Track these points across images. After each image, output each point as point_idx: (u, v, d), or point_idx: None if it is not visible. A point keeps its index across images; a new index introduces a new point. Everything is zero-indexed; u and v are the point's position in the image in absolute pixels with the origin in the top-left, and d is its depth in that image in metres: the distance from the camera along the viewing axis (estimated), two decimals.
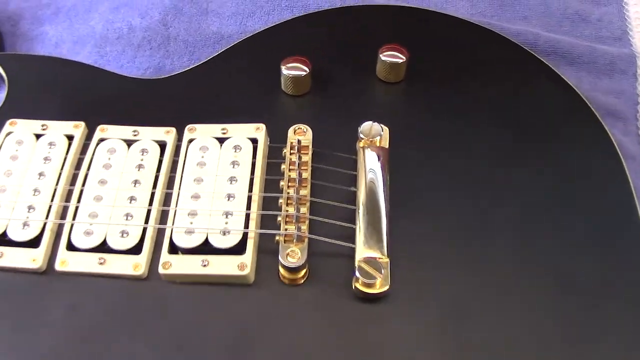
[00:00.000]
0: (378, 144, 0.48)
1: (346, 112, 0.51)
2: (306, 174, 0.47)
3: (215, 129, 0.49)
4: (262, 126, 0.49)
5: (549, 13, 0.64)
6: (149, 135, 0.49)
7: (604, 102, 0.58)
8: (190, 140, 0.49)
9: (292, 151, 0.48)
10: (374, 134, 0.48)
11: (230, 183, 0.46)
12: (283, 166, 0.47)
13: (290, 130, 0.49)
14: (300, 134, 0.49)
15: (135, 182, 0.46)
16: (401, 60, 0.52)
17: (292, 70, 0.51)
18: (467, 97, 0.53)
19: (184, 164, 0.47)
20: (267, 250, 0.44)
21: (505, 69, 0.55)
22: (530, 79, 0.54)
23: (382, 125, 0.49)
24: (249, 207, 0.45)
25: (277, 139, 0.49)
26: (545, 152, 0.49)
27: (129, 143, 0.49)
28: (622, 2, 0.65)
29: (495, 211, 0.46)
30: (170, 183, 0.47)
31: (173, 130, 0.49)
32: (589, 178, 0.48)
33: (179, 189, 0.46)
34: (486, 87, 0.53)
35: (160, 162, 0.48)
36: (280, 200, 0.45)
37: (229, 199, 0.45)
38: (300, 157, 0.47)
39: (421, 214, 0.46)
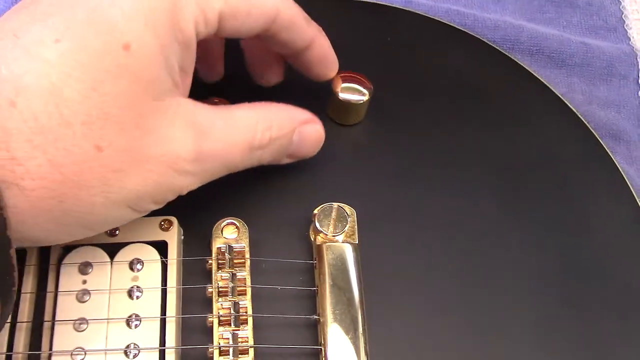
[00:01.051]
0: (344, 238, 0.33)
1: (284, 177, 0.36)
2: (244, 291, 0.32)
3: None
4: (173, 220, 0.33)
5: None
6: None
7: (603, 118, 0.46)
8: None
9: (220, 261, 0.32)
10: (337, 225, 0.33)
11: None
12: (210, 289, 0.32)
13: (216, 229, 0.33)
14: (231, 233, 0.33)
15: None
16: (364, 98, 0.36)
17: None
18: (440, 134, 0.39)
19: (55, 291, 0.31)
20: None
21: (481, 85, 0.41)
22: (513, 97, 0.41)
23: (348, 207, 0.34)
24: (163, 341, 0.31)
25: (193, 235, 0.34)
26: (540, 210, 0.37)
27: None
28: None
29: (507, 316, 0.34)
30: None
31: None
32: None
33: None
34: (460, 119, 0.40)
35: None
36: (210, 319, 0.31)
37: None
38: (233, 267, 0.32)
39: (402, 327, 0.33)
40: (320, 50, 0.33)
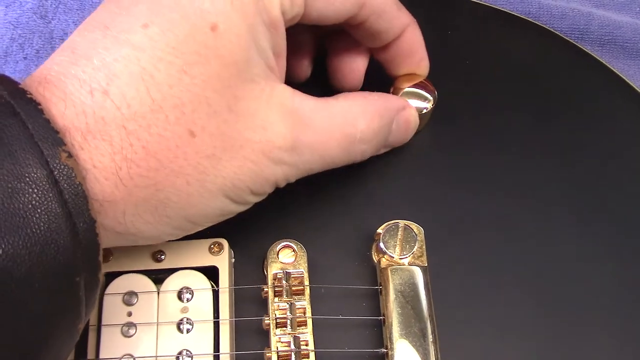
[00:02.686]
0: (410, 260, 0.30)
1: (342, 193, 0.33)
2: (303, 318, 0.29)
3: (145, 256, 0.30)
4: (223, 243, 0.30)
5: None
6: None
7: None
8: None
9: (277, 289, 0.29)
10: (404, 246, 0.30)
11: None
12: (266, 320, 0.29)
13: (271, 252, 0.30)
14: (288, 257, 0.30)
15: None
16: (429, 106, 0.33)
17: None
18: (508, 138, 0.35)
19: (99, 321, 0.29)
20: None
21: (550, 81, 0.37)
22: (585, 92, 0.37)
23: (415, 225, 0.31)
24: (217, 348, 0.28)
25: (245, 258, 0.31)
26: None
27: None
28: None
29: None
30: None
31: None
32: None
33: None
34: (529, 120, 0.36)
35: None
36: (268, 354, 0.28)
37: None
38: (291, 296, 0.29)
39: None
40: (410, 42, 0.31)
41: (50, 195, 0.21)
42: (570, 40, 0.39)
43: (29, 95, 0.22)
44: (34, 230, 0.20)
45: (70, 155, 0.21)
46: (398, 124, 0.31)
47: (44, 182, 0.21)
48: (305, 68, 0.34)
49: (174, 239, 0.27)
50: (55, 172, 0.21)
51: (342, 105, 0.28)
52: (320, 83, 0.34)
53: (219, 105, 0.24)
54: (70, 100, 0.23)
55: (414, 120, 0.32)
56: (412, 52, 0.32)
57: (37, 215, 0.21)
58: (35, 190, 0.21)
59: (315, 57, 0.34)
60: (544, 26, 0.40)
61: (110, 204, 0.23)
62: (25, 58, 0.43)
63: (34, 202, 0.20)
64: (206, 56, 0.24)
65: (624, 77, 0.38)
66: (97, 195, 0.23)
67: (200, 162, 0.24)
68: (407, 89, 0.32)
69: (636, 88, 0.38)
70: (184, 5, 0.24)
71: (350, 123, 0.28)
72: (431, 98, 0.33)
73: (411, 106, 0.32)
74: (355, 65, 0.33)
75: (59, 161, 0.21)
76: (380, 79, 0.33)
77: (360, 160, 0.30)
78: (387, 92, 0.33)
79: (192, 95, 0.24)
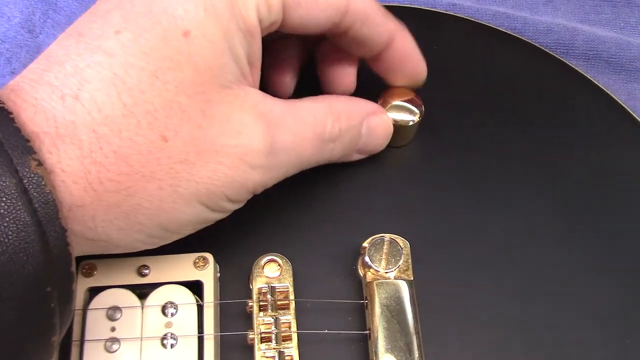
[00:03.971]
0: (396, 274, 0.30)
1: (327, 206, 0.33)
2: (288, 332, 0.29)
3: (129, 271, 0.30)
4: (208, 258, 0.30)
5: None
6: None
7: None
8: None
9: (262, 303, 0.29)
10: (389, 260, 0.30)
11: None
12: (251, 335, 0.29)
13: (256, 266, 0.30)
14: (274, 271, 0.30)
15: None
16: (415, 118, 0.33)
17: None
18: (495, 151, 0.36)
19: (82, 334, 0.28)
20: None
21: (536, 95, 0.38)
22: (571, 107, 0.38)
23: (400, 239, 0.31)
24: None
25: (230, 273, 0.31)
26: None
27: None
28: None
29: None
30: None
31: None
32: None
33: None
34: (515, 134, 0.36)
35: None
36: None
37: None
38: (276, 310, 0.29)
39: None
40: (401, 49, 0.31)
41: (19, 203, 0.21)
42: (556, 55, 0.40)
43: (0, 104, 0.22)
44: (2, 239, 0.20)
45: (40, 164, 0.21)
46: (369, 127, 0.31)
47: (12, 191, 0.21)
48: (289, 81, 0.33)
49: (149, 247, 0.27)
50: (25, 181, 0.21)
51: (309, 106, 0.28)
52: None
53: (192, 111, 0.24)
54: (41, 105, 0.23)
55: (386, 126, 0.32)
56: (406, 58, 0.32)
57: (5, 224, 0.20)
58: (4, 199, 0.20)
59: (300, 71, 0.34)
60: (530, 41, 0.40)
61: (79, 208, 0.23)
62: (12, 72, 0.43)
63: (2, 210, 0.20)
64: (179, 62, 0.24)
65: (609, 92, 0.38)
66: (65, 200, 0.23)
67: (173, 167, 0.24)
68: (394, 103, 0.32)
69: (620, 102, 0.38)
70: (156, 12, 0.24)
71: (320, 123, 0.28)
72: (418, 111, 0.33)
73: (383, 111, 0.32)
74: (345, 72, 0.33)
75: (29, 170, 0.21)
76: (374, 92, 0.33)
77: (331, 159, 0.30)
78: None
79: (165, 100, 0.24)
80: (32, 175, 0.21)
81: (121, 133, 0.23)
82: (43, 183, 0.21)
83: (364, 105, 0.31)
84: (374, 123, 0.31)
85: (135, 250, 0.26)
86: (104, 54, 0.24)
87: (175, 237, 0.27)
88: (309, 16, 0.27)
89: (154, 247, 0.27)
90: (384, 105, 0.32)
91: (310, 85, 0.33)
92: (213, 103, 0.25)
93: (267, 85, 0.31)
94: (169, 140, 0.24)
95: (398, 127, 0.33)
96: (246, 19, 0.25)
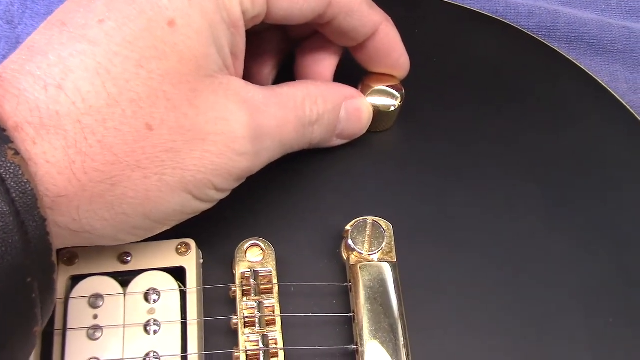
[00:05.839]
0: (379, 257, 0.30)
1: (310, 191, 0.33)
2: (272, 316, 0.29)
3: (111, 258, 0.29)
4: (191, 243, 0.30)
5: None
6: None
7: None
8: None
9: (245, 288, 0.29)
10: (372, 242, 0.30)
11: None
12: (235, 320, 0.29)
13: (239, 251, 0.30)
14: (256, 255, 0.30)
15: None
16: (396, 103, 0.33)
17: None
18: (477, 135, 0.36)
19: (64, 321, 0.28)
20: None
21: (518, 79, 0.38)
22: (553, 89, 0.38)
23: (383, 222, 0.31)
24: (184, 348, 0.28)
25: (214, 259, 0.30)
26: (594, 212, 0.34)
27: None
28: None
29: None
30: None
31: None
32: None
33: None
34: (497, 117, 0.36)
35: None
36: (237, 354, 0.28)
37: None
38: (259, 294, 0.29)
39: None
40: (385, 39, 0.31)
41: None
42: (538, 38, 0.40)
43: None
44: None
45: (17, 153, 0.21)
46: (347, 111, 0.31)
47: None
48: (267, 74, 0.33)
49: (134, 240, 0.27)
50: (2, 170, 0.21)
51: (288, 91, 0.29)
52: None
53: (178, 99, 0.24)
54: (24, 96, 0.22)
55: (366, 110, 0.32)
56: (389, 50, 0.32)
57: None
58: None
59: (280, 64, 0.34)
60: (512, 24, 0.40)
61: (63, 199, 0.23)
62: None
63: None
64: (163, 51, 0.24)
65: (591, 74, 0.38)
66: (49, 191, 0.22)
67: (159, 156, 0.24)
68: (375, 88, 0.32)
69: (603, 84, 0.38)
70: (140, 1, 0.24)
71: (300, 107, 0.28)
72: (399, 95, 0.33)
73: (362, 95, 0.32)
74: (324, 69, 0.33)
75: (5, 159, 0.21)
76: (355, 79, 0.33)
77: (311, 143, 0.30)
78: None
79: (150, 89, 0.23)
80: (9, 164, 0.21)
81: (106, 122, 0.23)
82: (20, 172, 0.21)
83: (342, 90, 0.31)
84: (353, 107, 0.31)
85: (119, 243, 0.26)
86: (87, 43, 0.23)
87: (160, 229, 0.27)
88: (293, 8, 0.27)
89: (138, 239, 0.27)
90: (364, 90, 0.32)
91: (289, 78, 0.33)
92: (198, 92, 0.25)
93: (246, 76, 0.31)
94: (154, 129, 0.24)
95: (379, 112, 0.33)
96: (230, 11, 0.25)
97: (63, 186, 0.23)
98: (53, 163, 0.22)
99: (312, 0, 0.28)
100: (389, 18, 0.31)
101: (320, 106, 0.29)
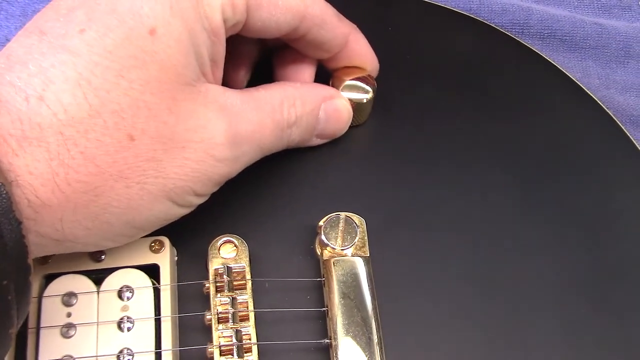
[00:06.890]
0: (352, 252, 0.30)
1: (283, 187, 0.33)
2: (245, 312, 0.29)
3: (84, 256, 0.29)
4: (164, 241, 0.30)
5: None
6: None
7: (622, 103, 0.43)
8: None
9: (218, 284, 0.29)
10: (345, 237, 0.30)
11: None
12: (208, 316, 0.29)
13: (212, 247, 0.30)
14: (229, 252, 0.30)
15: None
16: (368, 96, 0.33)
17: None
18: (450, 130, 0.36)
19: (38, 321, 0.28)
20: None
21: (491, 74, 0.38)
22: (526, 85, 0.38)
23: (356, 217, 0.31)
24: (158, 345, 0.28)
25: (188, 256, 0.31)
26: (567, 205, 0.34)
27: None
28: None
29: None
30: None
31: None
32: None
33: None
34: (471, 113, 0.36)
35: None
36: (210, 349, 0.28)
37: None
38: (232, 290, 0.29)
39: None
40: (355, 49, 0.32)
41: None
42: (511, 35, 0.40)
43: None
44: None
45: None
46: (327, 112, 0.31)
47: None
48: (242, 76, 0.33)
49: (117, 245, 0.27)
50: None
51: (265, 95, 0.29)
52: None
53: (158, 108, 0.24)
54: (5, 107, 0.22)
55: (345, 110, 0.32)
56: (360, 58, 0.32)
57: None
58: None
59: (254, 67, 0.34)
60: (485, 22, 0.41)
61: (47, 210, 0.23)
62: None
63: None
64: (143, 60, 0.24)
65: (564, 70, 0.39)
66: (32, 203, 0.22)
67: (140, 166, 0.24)
68: (347, 82, 0.33)
69: (575, 80, 0.38)
70: (121, 10, 0.24)
71: (277, 110, 0.29)
72: (370, 89, 0.33)
73: (341, 96, 0.32)
74: (303, 77, 0.33)
75: None
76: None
77: (290, 145, 0.31)
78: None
79: (131, 99, 0.24)
80: None
81: (88, 134, 0.23)
82: None
83: (320, 91, 0.31)
84: (331, 108, 0.32)
85: (101, 249, 0.26)
86: (68, 53, 0.23)
87: (141, 234, 0.27)
88: (270, 20, 0.28)
89: (120, 245, 0.27)
90: (336, 84, 0.33)
91: (263, 81, 0.33)
92: (177, 100, 0.25)
93: (222, 79, 0.31)
94: (135, 139, 0.24)
95: (353, 105, 0.33)
96: (211, 20, 0.25)
97: (46, 197, 0.23)
98: (36, 175, 0.22)
99: (288, 13, 0.28)
100: (356, 27, 0.32)
101: (299, 108, 0.30)
